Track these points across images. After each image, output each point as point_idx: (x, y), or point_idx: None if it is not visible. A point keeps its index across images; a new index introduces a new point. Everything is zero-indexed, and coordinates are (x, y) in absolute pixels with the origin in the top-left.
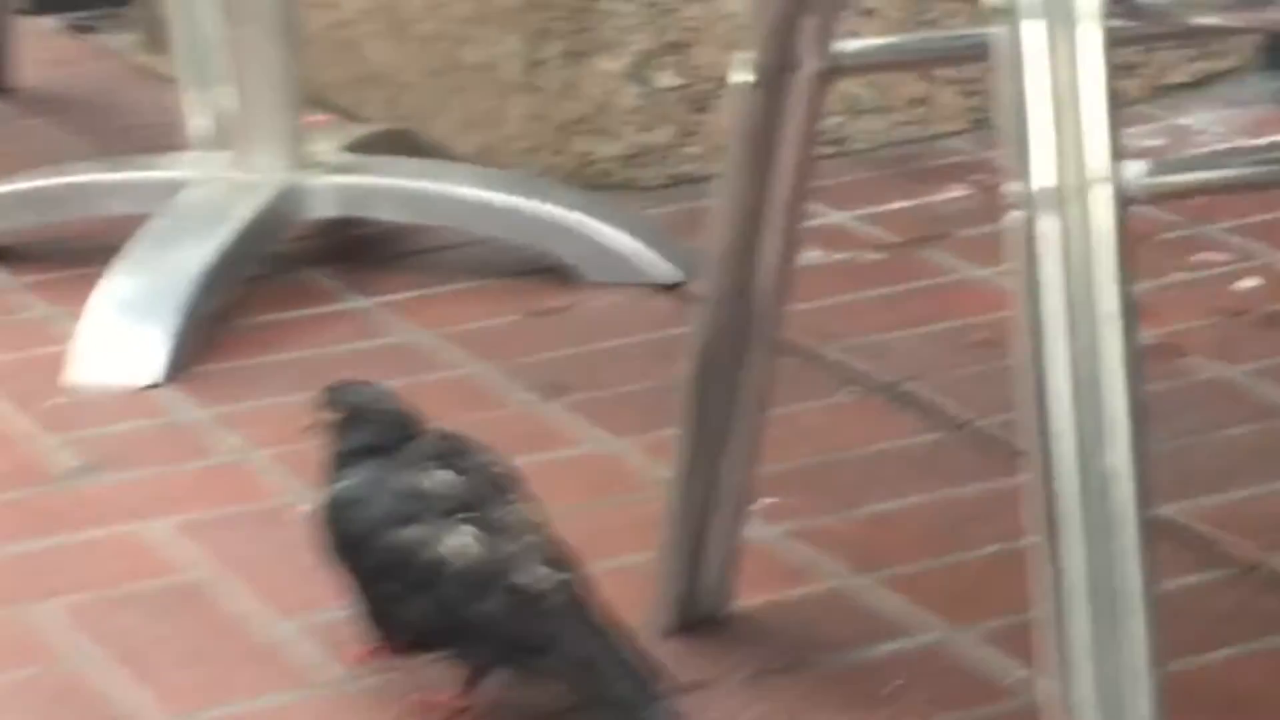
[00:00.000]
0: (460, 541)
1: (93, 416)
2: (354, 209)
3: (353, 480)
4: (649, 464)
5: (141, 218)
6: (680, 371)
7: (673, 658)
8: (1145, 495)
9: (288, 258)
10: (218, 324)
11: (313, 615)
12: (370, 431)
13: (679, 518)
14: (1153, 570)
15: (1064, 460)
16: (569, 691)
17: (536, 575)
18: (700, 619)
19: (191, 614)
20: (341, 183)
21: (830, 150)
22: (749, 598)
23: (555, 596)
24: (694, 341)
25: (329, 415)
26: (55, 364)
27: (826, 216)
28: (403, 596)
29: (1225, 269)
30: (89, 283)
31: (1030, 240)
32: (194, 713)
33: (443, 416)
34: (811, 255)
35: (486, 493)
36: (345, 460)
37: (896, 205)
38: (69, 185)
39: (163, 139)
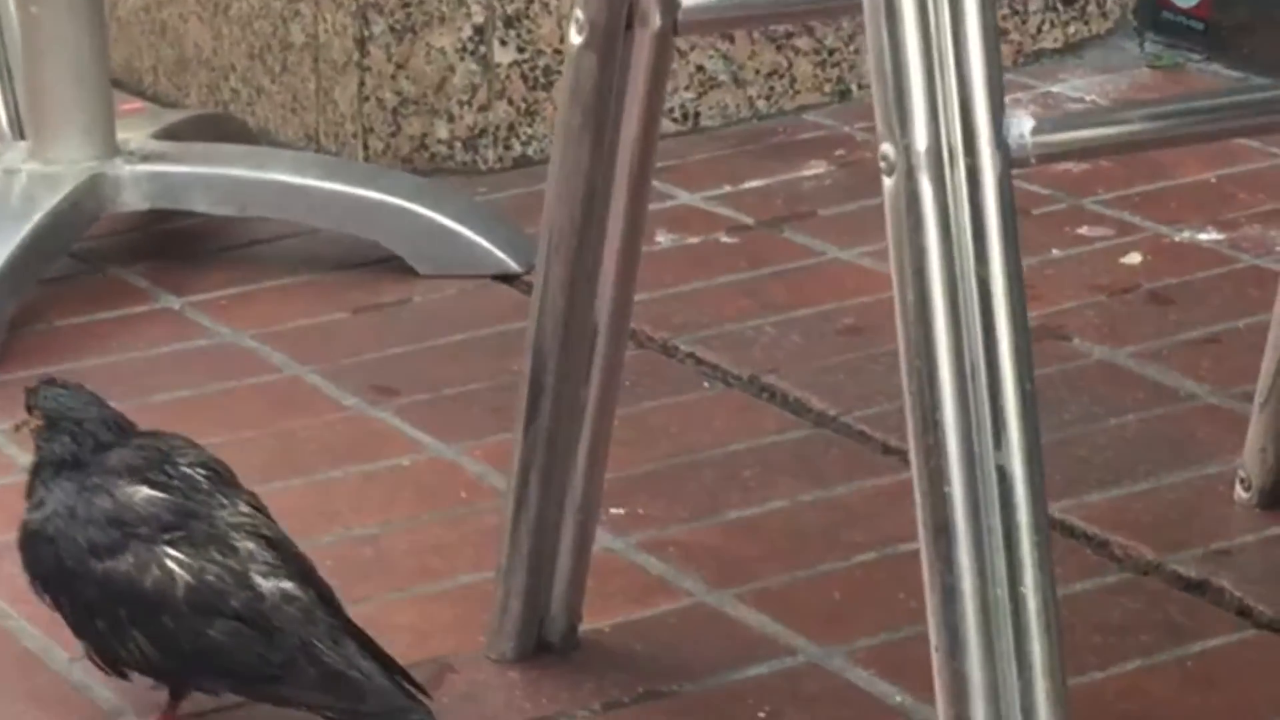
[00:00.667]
0: (170, 567)
1: None
2: (165, 200)
3: (49, 508)
4: (487, 472)
5: None
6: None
7: (516, 688)
8: (1040, 495)
9: (93, 255)
10: (14, 329)
11: None
12: (67, 442)
13: (519, 532)
14: (1052, 580)
15: (951, 456)
16: (317, 711)
17: (260, 591)
18: (545, 644)
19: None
20: (151, 171)
21: (678, 128)
22: (598, 618)
23: (283, 611)
24: (531, 336)
25: (32, 420)
26: None
27: (676, 198)
28: (119, 633)
29: (1107, 244)
30: None
31: (907, 209)
32: None
33: (261, 424)
34: (660, 240)
35: (194, 504)
36: (43, 477)
37: (752, 184)
38: None
39: None
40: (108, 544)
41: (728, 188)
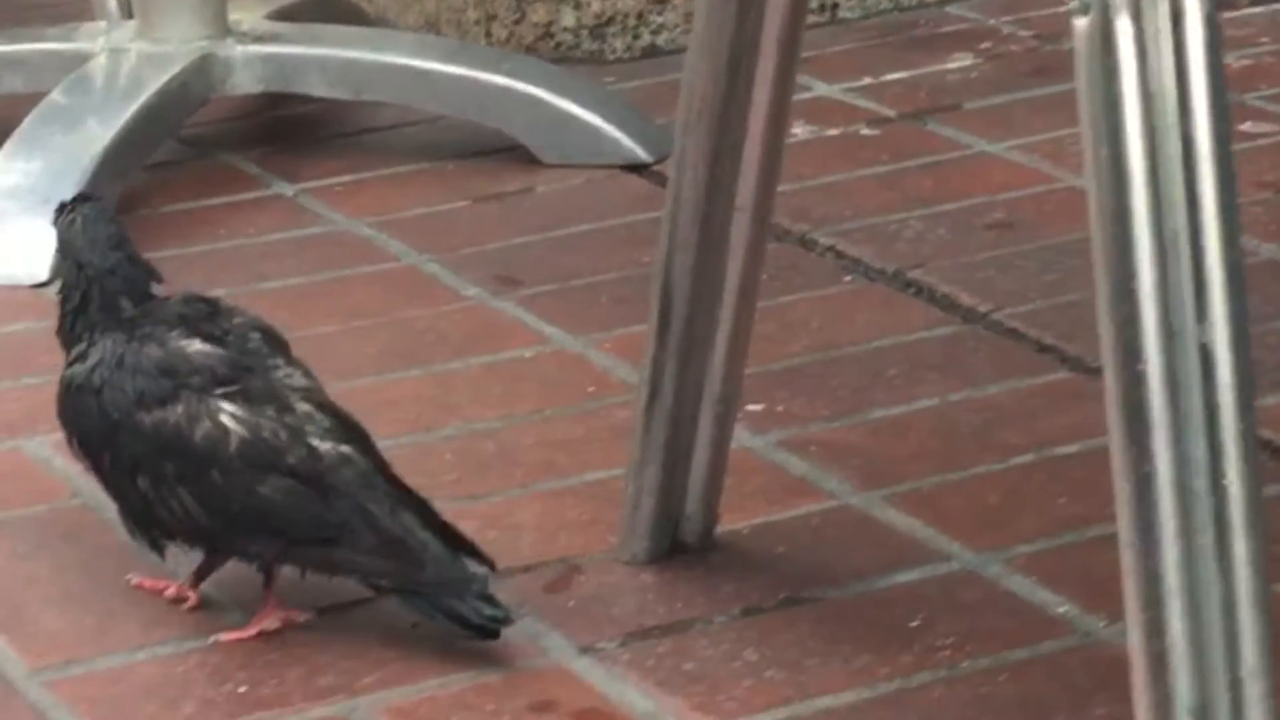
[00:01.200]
0: (223, 420)
1: None
2: (278, 83)
3: (93, 359)
4: (615, 365)
5: (37, 97)
6: (651, 260)
7: (648, 591)
8: (1247, 376)
9: (202, 141)
10: (120, 213)
11: None
12: (98, 283)
13: (652, 424)
14: (1257, 471)
15: (1147, 331)
16: (370, 581)
17: (317, 451)
18: (680, 545)
19: (71, 548)
20: (264, 53)
21: (816, 19)
22: (736, 519)
23: (341, 473)
24: (667, 223)
25: (59, 265)
26: None
27: (813, 90)
28: (163, 490)
29: (1271, 140)
30: None
31: (1101, 53)
32: (64, 666)
33: (376, 313)
34: (798, 131)
35: (249, 361)
36: (80, 329)
37: (893, 76)
38: None
39: (68, 8)
40: (158, 394)
41: (867, 80)
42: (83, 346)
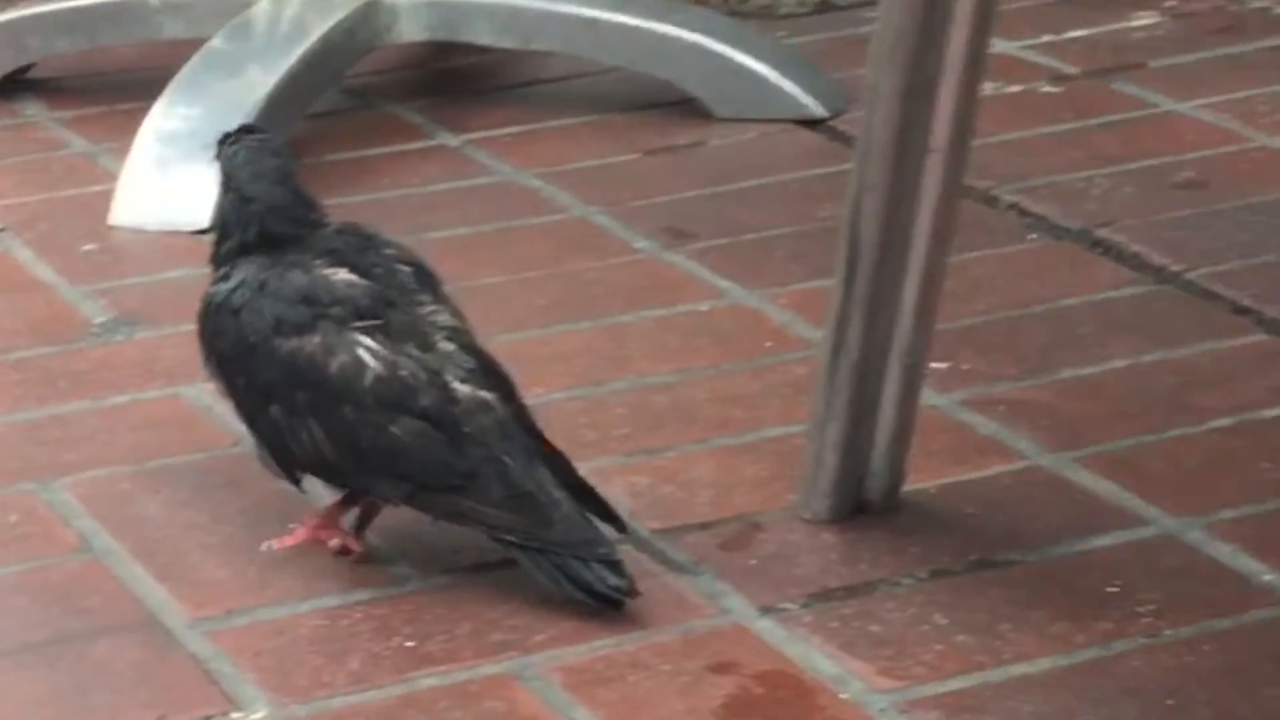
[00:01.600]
0: (360, 355)
1: (131, 264)
2: (444, 31)
3: (235, 280)
4: (792, 320)
5: (197, 43)
6: (828, 215)
7: (831, 551)
8: None
9: (366, 91)
10: None
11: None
12: (260, 217)
13: (837, 377)
14: None
15: None
16: (496, 535)
17: (454, 394)
18: (864, 504)
19: (232, 496)
20: (430, 0)
21: None
22: (922, 479)
23: (476, 419)
24: (857, 164)
25: (220, 194)
26: (93, 206)
27: (993, 46)
28: (294, 421)
29: None
30: (134, 118)
31: None
32: (225, 616)
33: (545, 264)
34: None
35: (395, 295)
36: (229, 252)
37: (1075, 34)
38: (116, 4)
39: None
40: (296, 321)
41: (1049, 37)
42: (229, 267)
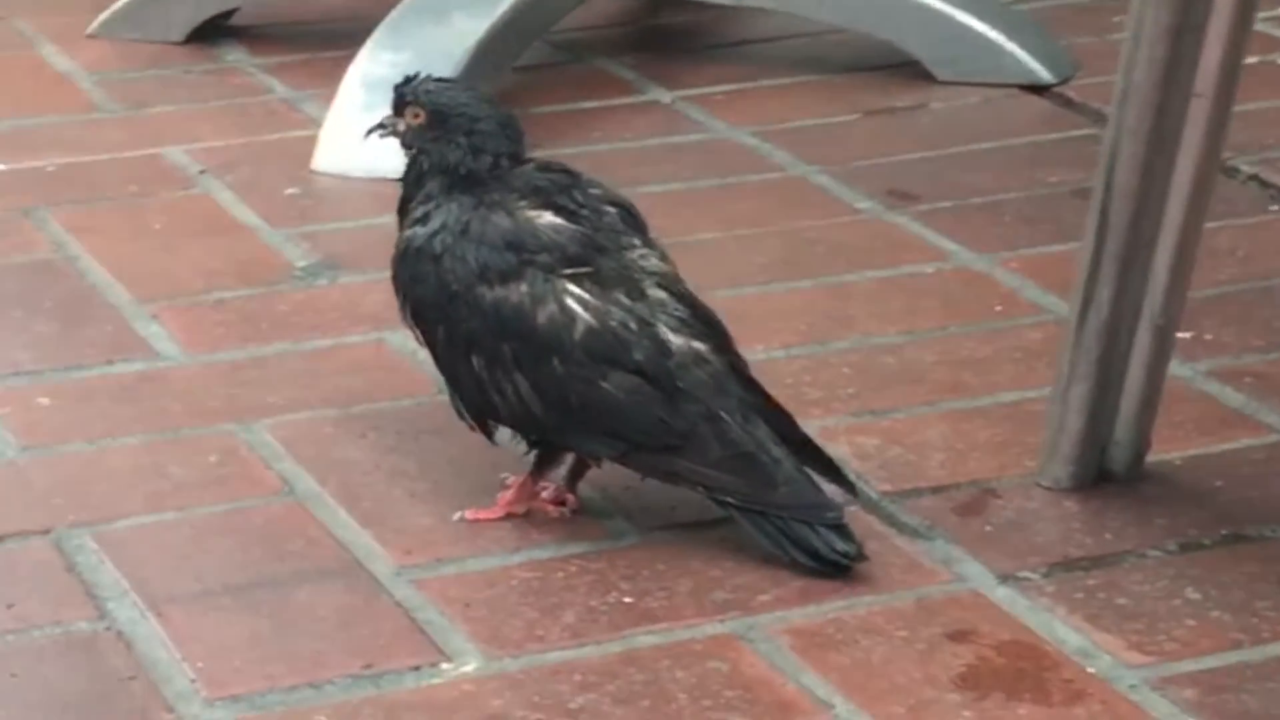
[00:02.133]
0: (570, 305)
1: (334, 209)
2: None
3: (436, 222)
4: (1024, 285)
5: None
6: (1059, 180)
7: (1073, 520)
8: None
9: (575, 46)
10: None
11: None
12: (461, 145)
13: (1083, 338)
14: None
15: None
16: (715, 497)
17: (668, 346)
18: (1106, 473)
19: (440, 443)
20: None
21: None
22: (1167, 449)
23: (692, 374)
24: (1115, 109)
25: (407, 122)
26: (296, 150)
27: None
28: (497, 373)
29: None
30: (336, 66)
31: None
32: (434, 565)
33: (762, 221)
34: None
35: (603, 239)
36: (429, 189)
37: None
38: None
39: None
40: (501, 269)
41: None
42: (428, 207)
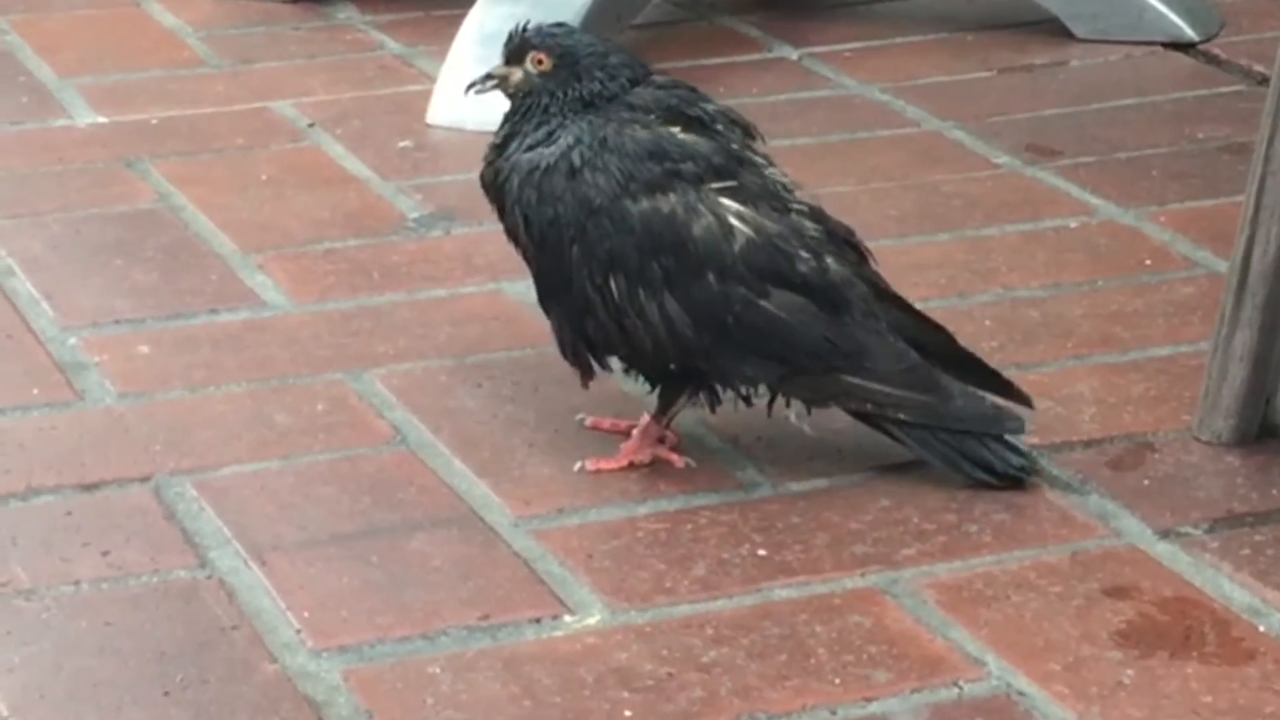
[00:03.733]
0: (727, 217)
1: (448, 162)
2: None
3: (565, 140)
4: (1174, 239)
5: None
6: (1207, 137)
7: (1237, 475)
8: None
9: (698, 3)
10: None
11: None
12: (598, 78)
13: (1247, 287)
14: None
15: None
16: (883, 414)
17: (827, 262)
18: (1270, 427)
19: (560, 393)
20: None
21: None
22: None
23: (855, 289)
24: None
25: (527, 69)
26: (409, 104)
27: None
28: (642, 294)
29: None
30: (448, 24)
31: None
32: (555, 515)
33: (896, 176)
34: None
35: (738, 153)
36: (550, 121)
37: None
38: None
39: None
40: (647, 180)
41: None
42: (548, 128)
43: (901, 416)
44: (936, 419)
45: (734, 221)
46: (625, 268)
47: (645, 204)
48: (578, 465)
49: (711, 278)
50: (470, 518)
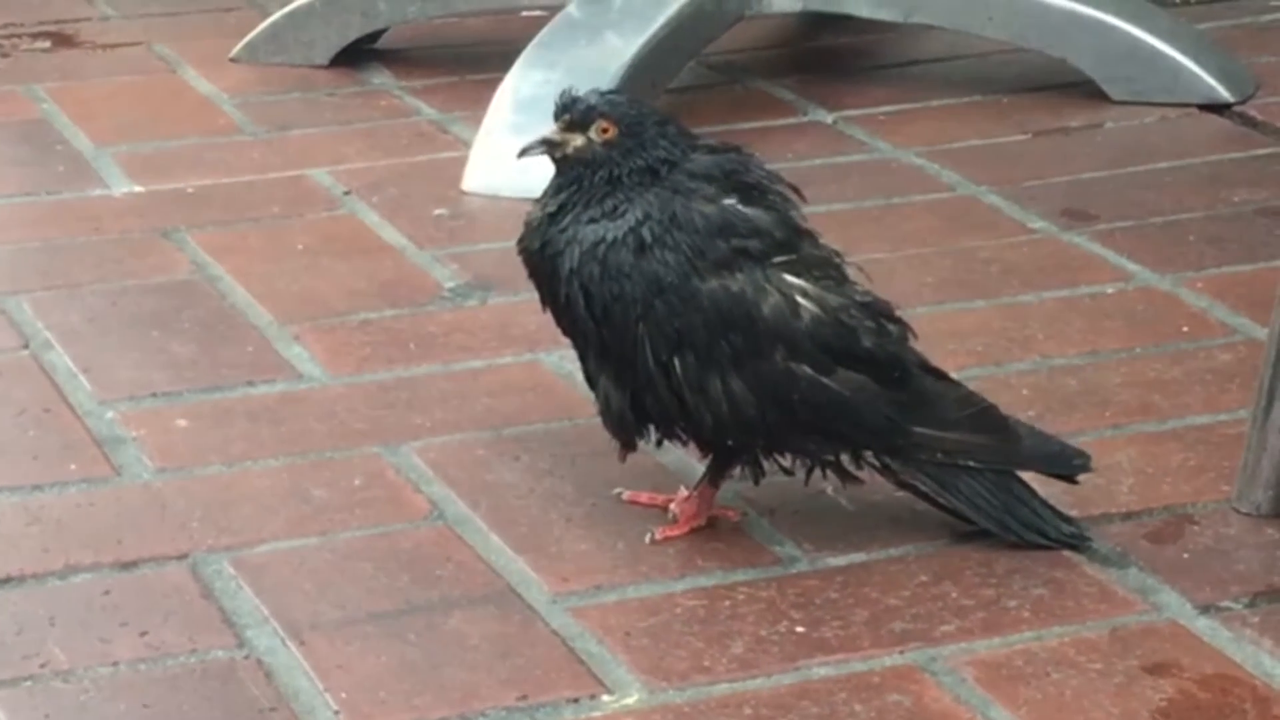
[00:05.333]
0: (793, 294)
1: (484, 230)
2: (818, 2)
3: (634, 215)
4: (1212, 305)
5: (544, 20)
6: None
7: (1276, 549)
8: None
9: (731, 68)
10: None
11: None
12: (662, 146)
13: None
14: None
15: None
16: (951, 461)
17: (886, 329)
18: None
19: (599, 466)
20: None
21: None
22: None
23: (911, 353)
24: None
25: (590, 136)
26: (444, 171)
27: None
28: (708, 372)
29: None
30: (484, 89)
31: None
32: (592, 592)
33: (932, 241)
34: None
35: (796, 222)
36: (616, 192)
37: None
38: None
39: None
40: (717, 258)
41: None
42: (614, 200)
43: (972, 463)
44: (1006, 461)
45: (799, 299)
46: (694, 346)
47: (714, 282)
48: (648, 537)
49: (779, 356)
50: (508, 595)
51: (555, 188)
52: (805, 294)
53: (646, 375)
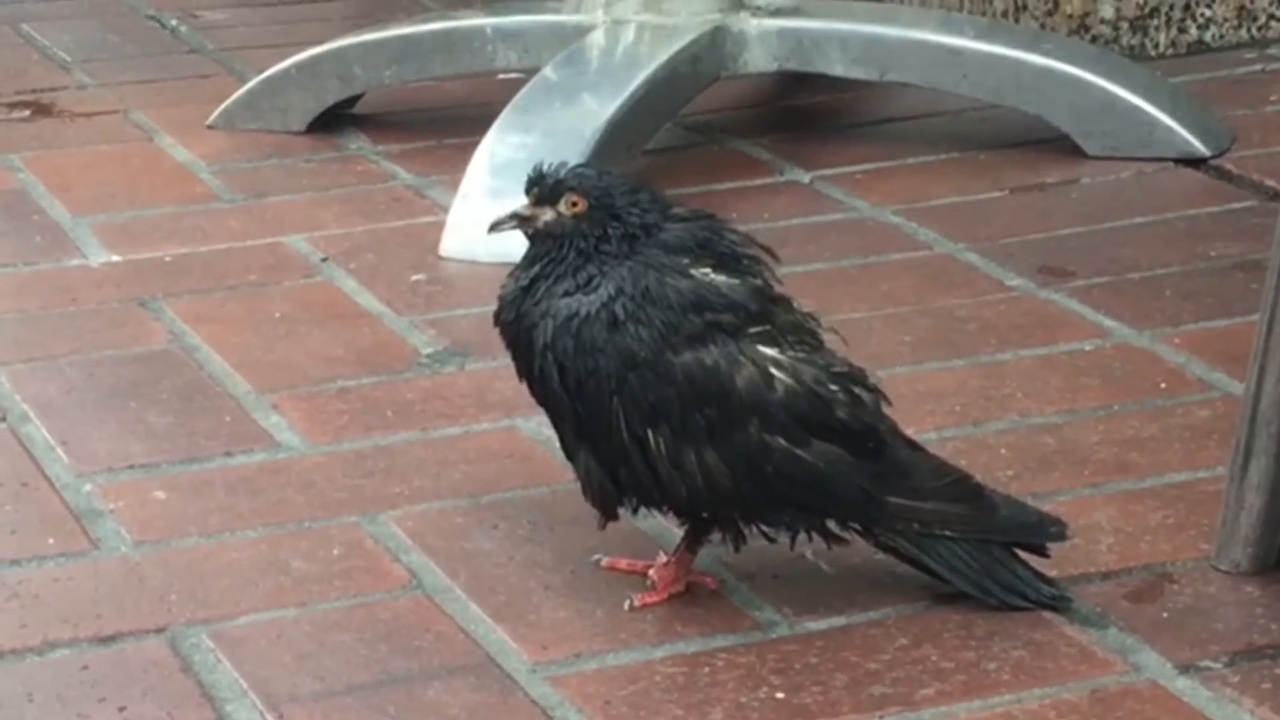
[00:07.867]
0: (767, 367)
1: (462, 295)
2: (794, 60)
3: (607, 289)
4: (1189, 361)
5: (520, 83)
6: (1219, 254)
7: (1255, 605)
8: None
9: (708, 128)
10: None
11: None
12: (633, 216)
13: (1259, 414)
14: None
15: None
16: (928, 531)
17: (860, 399)
18: None
19: (577, 533)
20: (781, 27)
21: None
22: None
23: (886, 420)
24: None
25: (560, 210)
26: (422, 236)
27: None
28: (682, 445)
29: None
30: (461, 153)
31: None
32: (571, 660)
33: (910, 300)
34: None
35: (768, 290)
36: (589, 265)
37: None
38: (447, 32)
39: None
40: (690, 333)
41: None
42: (586, 273)
43: (948, 533)
44: (982, 531)
45: (774, 370)
46: (669, 419)
47: (688, 356)
48: (626, 604)
49: (753, 428)
50: (487, 664)
51: (528, 260)
52: (779, 365)
53: (621, 448)
